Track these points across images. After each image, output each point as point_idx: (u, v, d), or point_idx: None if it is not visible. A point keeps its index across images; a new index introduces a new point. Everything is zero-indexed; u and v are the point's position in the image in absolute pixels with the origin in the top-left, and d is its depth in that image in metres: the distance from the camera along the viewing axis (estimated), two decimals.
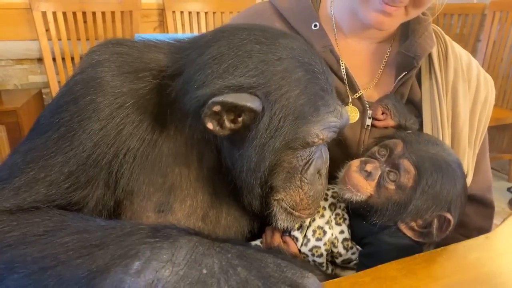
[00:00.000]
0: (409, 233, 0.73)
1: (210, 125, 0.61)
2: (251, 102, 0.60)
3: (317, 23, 0.94)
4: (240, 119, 0.62)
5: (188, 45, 0.69)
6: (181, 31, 2.57)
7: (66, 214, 0.60)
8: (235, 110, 0.60)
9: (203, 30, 2.60)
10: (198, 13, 2.61)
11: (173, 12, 2.58)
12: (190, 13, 2.60)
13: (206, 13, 2.62)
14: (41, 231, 0.57)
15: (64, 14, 2.34)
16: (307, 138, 0.64)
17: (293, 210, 0.71)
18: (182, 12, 2.59)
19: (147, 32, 2.55)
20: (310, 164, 0.69)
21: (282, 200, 0.70)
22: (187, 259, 0.48)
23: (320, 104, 0.64)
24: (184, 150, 0.70)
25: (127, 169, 0.67)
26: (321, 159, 0.71)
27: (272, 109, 0.61)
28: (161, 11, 2.60)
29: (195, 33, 2.56)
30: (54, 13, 2.32)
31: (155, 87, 0.67)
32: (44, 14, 2.31)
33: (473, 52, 3.15)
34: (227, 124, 0.62)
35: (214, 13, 2.64)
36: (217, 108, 0.59)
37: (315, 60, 0.65)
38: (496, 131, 3.16)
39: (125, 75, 0.66)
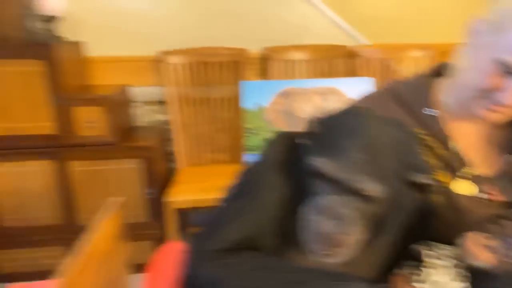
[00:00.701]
0: None
1: None
2: None
3: (428, 107, 1.11)
4: None
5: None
6: (282, 77, 2.90)
7: (262, 256, 0.87)
8: None
9: (302, 76, 2.90)
10: (296, 61, 2.93)
11: (274, 60, 2.92)
12: (289, 61, 2.93)
13: (304, 60, 2.93)
14: (254, 267, 0.85)
15: (186, 65, 2.80)
16: None
17: None
18: (282, 60, 2.93)
19: (251, 79, 2.90)
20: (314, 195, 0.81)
21: None
22: None
23: None
24: None
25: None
26: (327, 200, 0.78)
27: None
28: (264, 60, 2.96)
29: (296, 79, 2.88)
30: (178, 64, 2.79)
31: None
32: (169, 65, 2.79)
33: None
34: None
35: (310, 60, 2.94)
36: None
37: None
38: None
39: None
